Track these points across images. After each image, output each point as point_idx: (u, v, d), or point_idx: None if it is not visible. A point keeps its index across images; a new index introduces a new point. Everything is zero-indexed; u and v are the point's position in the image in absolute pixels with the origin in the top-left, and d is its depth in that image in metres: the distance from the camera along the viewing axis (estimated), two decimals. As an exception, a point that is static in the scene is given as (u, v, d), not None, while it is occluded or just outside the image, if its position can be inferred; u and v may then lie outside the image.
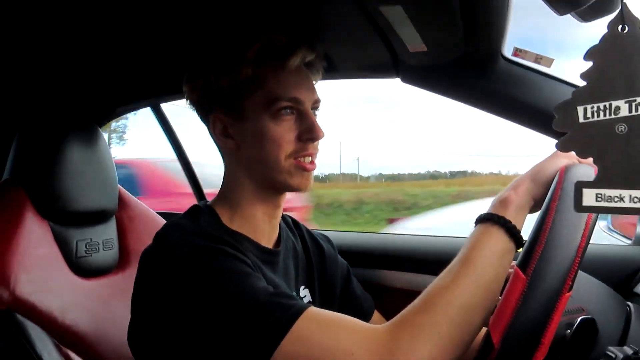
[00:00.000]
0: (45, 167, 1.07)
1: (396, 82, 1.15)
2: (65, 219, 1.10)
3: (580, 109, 0.48)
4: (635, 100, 0.46)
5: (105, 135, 1.27)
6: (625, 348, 0.62)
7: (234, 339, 0.62)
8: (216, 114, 0.83)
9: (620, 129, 0.46)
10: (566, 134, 0.49)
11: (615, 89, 0.47)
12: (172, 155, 1.83)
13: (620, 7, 0.46)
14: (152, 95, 1.47)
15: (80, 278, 1.08)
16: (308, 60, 0.83)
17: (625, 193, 0.46)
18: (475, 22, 0.87)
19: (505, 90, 1.04)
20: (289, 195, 0.88)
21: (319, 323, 0.62)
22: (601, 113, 0.47)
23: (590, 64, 0.48)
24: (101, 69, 1.20)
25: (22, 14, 0.86)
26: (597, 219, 0.61)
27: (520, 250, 0.65)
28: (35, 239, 1.03)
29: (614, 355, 0.61)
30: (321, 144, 0.85)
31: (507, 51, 1.01)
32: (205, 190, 1.81)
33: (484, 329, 0.60)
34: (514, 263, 0.63)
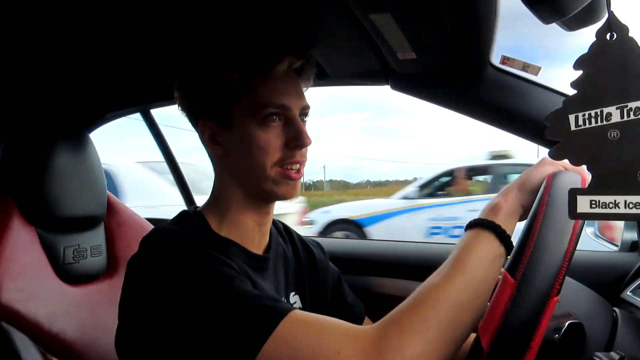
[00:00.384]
0: (33, 173, 1.06)
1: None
2: (53, 225, 1.08)
3: (572, 117, 0.48)
4: (626, 106, 0.46)
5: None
6: (612, 354, 0.62)
7: (218, 341, 0.62)
8: (205, 121, 0.83)
9: (612, 135, 0.46)
10: (559, 142, 0.49)
11: (606, 96, 0.47)
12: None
13: (607, 16, 0.46)
14: (141, 101, 1.46)
15: (67, 285, 1.07)
16: (296, 67, 0.83)
17: (620, 199, 0.46)
18: (464, 30, 0.88)
19: (493, 97, 1.05)
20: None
21: (303, 324, 0.62)
22: (593, 120, 0.47)
23: (580, 72, 0.48)
24: (90, 75, 1.20)
25: (10, 18, 0.85)
26: (584, 224, 0.62)
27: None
28: (22, 245, 1.02)
29: (601, 361, 0.61)
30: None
31: (496, 59, 1.03)
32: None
33: (473, 335, 0.60)
34: (503, 269, 0.63)
